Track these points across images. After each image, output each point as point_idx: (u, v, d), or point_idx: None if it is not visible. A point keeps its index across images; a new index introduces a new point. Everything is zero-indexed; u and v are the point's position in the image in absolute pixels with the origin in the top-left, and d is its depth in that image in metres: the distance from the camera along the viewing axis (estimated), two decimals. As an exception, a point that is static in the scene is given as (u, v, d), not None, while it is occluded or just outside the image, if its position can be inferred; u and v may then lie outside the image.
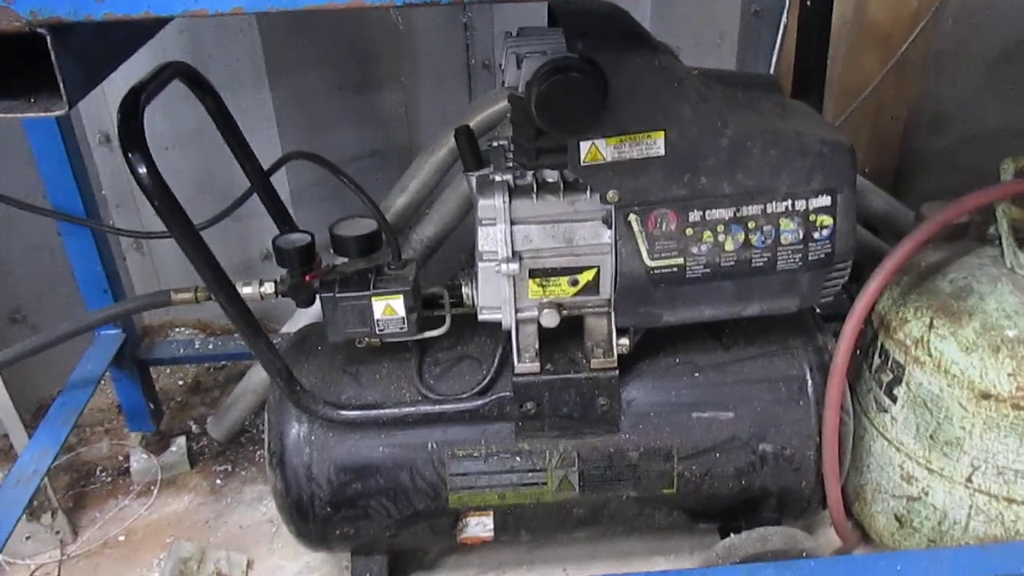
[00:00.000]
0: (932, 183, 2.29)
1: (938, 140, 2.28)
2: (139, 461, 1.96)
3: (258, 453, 2.03)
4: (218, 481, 1.97)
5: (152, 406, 1.98)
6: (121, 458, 2.00)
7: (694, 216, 1.24)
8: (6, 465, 1.82)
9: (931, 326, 1.38)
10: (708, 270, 1.27)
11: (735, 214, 1.24)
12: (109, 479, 1.97)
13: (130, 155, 1.06)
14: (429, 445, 1.40)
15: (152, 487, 1.95)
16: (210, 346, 2.02)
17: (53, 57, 0.81)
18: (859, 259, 1.36)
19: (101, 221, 1.74)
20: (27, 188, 1.68)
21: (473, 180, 1.30)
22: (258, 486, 1.95)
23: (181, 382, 2.20)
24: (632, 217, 1.23)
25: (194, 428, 2.07)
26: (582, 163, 1.18)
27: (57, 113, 0.84)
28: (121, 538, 1.83)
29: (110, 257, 1.76)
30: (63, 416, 1.62)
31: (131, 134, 1.05)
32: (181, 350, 1.97)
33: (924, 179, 2.32)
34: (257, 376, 2.00)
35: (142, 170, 1.08)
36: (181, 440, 2.00)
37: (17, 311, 1.96)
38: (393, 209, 1.72)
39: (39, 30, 0.80)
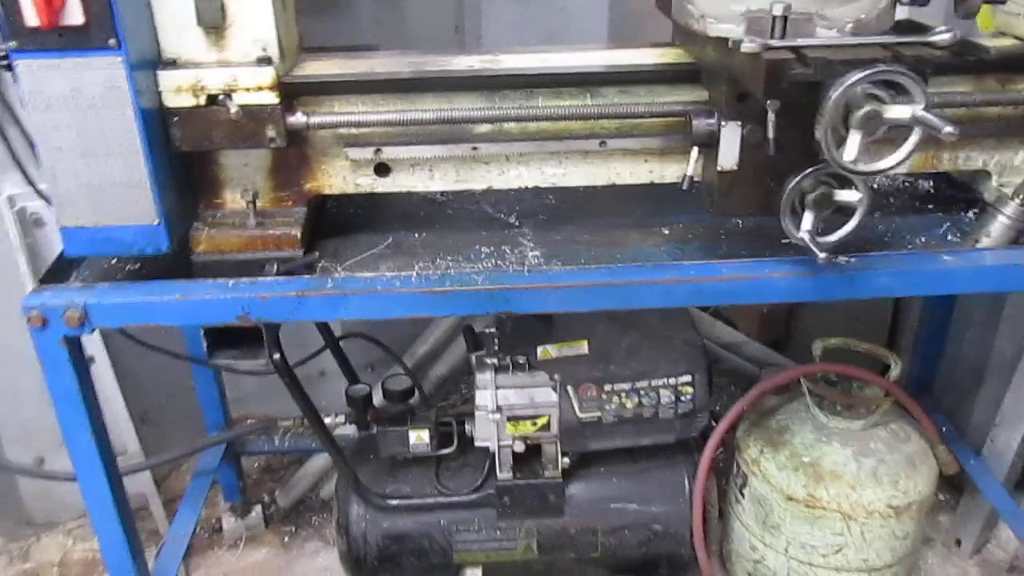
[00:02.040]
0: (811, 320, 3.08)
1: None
2: (229, 523, 2.74)
3: (313, 518, 2.81)
4: (286, 538, 2.75)
5: (240, 483, 2.76)
6: (214, 520, 2.78)
7: (607, 388, 2.04)
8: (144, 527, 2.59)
9: (761, 451, 2.18)
10: (615, 419, 2.06)
11: (632, 386, 2.05)
12: (207, 535, 2.75)
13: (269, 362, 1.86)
14: (441, 522, 2.19)
15: (239, 542, 2.72)
16: (277, 442, 2.82)
17: (264, 335, 1.61)
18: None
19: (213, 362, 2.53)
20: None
21: (473, 359, 2.10)
22: (314, 543, 2.73)
23: (256, 464, 2.99)
24: (569, 387, 2.04)
25: (266, 499, 2.85)
26: (539, 359, 1.99)
27: (260, 362, 1.64)
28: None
29: (222, 386, 2.56)
30: (195, 496, 2.41)
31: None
32: (264, 446, 2.75)
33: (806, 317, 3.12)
34: (314, 464, 2.79)
35: (275, 361, 1.87)
36: (258, 508, 2.78)
37: (146, 413, 2.74)
38: (417, 355, 2.53)
39: (258, 324, 1.60)
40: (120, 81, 1.43)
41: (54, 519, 2.70)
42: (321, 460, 2.78)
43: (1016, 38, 1.79)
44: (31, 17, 1.36)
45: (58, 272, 1.66)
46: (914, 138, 1.29)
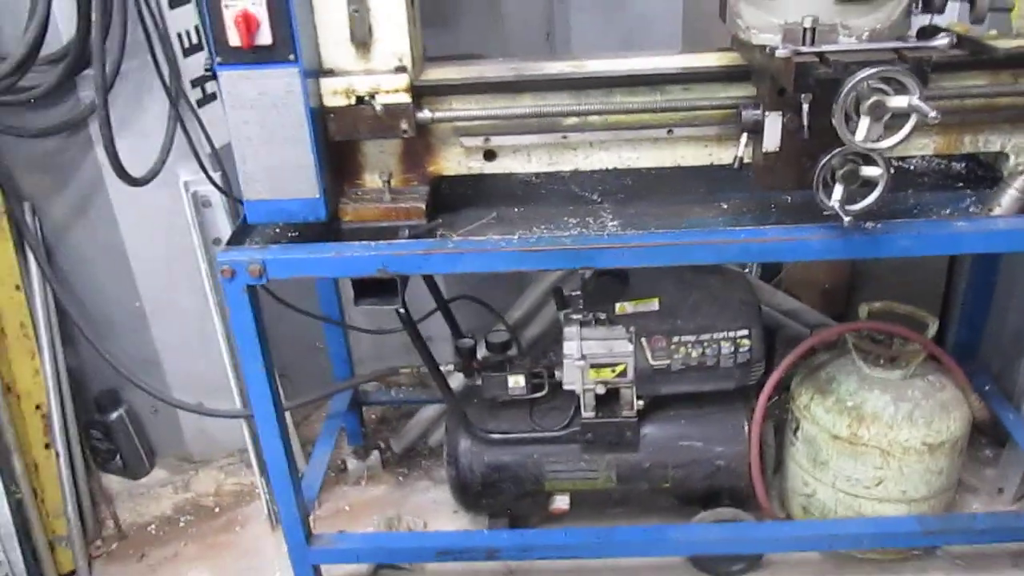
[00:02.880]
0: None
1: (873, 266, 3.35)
2: (352, 464, 3.21)
3: (423, 462, 3.25)
4: (400, 478, 3.20)
5: (362, 430, 3.23)
6: (340, 462, 3.24)
7: (674, 339, 2.41)
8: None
9: (812, 398, 2.52)
10: (682, 367, 2.44)
11: (696, 338, 2.42)
12: (334, 474, 3.22)
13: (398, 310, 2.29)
14: (535, 455, 2.59)
15: (361, 480, 3.19)
16: (393, 394, 3.28)
17: (398, 284, 2.04)
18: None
19: (348, 323, 2.99)
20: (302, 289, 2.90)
21: (561, 316, 2.50)
22: (425, 482, 3.17)
23: (375, 415, 3.45)
24: (642, 339, 2.42)
25: (382, 445, 3.30)
26: (617, 314, 2.38)
27: (395, 306, 2.07)
28: (347, 508, 3.08)
29: (349, 345, 3.02)
30: (327, 436, 2.88)
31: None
32: (382, 397, 3.21)
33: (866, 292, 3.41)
34: (424, 415, 3.23)
35: (402, 312, 2.31)
36: (375, 453, 3.23)
37: (283, 370, 3.22)
38: (514, 318, 2.94)
39: (393, 276, 2.03)
40: (295, 87, 1.88)
41: (209, 457, 3.21)
42: (430, 411, 3.22)
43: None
44: (233, 39, 1.83)
45: (239, 236, 2.13)
46: (911, 122, 1.64)
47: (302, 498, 2.41)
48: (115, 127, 2.34)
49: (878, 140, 1.67)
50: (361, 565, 2.73)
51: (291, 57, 1.86)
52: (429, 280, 2.63)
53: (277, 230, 2.17)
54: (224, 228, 2.75)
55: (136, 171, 2.49)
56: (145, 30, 2.41)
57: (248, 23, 1.81)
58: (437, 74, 2.11)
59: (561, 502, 2.63)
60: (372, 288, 2.09)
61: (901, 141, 1.67)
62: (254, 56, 1.85)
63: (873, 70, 1.60)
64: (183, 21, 2.57)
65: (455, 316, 2.75)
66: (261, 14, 1.80)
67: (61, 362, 2.81)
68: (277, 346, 2.25)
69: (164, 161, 2.55)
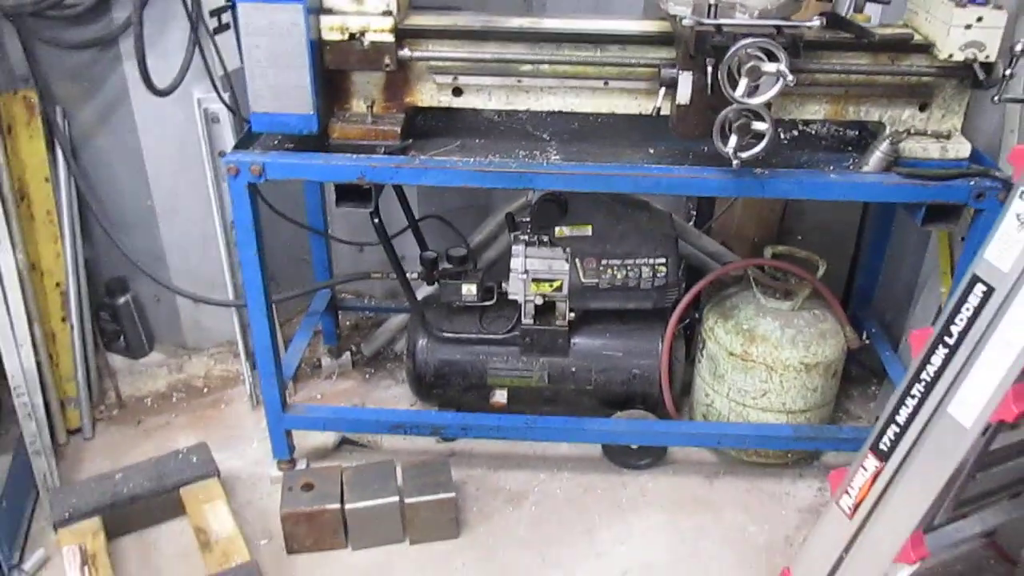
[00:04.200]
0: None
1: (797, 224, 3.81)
2: (326, 361, 3.67)
3: (388, 365, 3.71)
4: (367, 376, 3.66)
5: (336, 331, 3.69)
6: (315, 360, 3.70)
7: (603, 261, 2.87)
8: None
9: (716, 322, 2.99)
10: (609, 286, 2.90)
11: (622, 262, 2.88)
12: (309, 369, 3.68)
13: (373, 217, 2.73)
14: (480, 355, 3.06)
15: (332, 375, 3.65)
16: (366, 302, 3.73)
17: (372, 192, 2.49)
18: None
19: (330, 234, 3.44)
20: (293, 205, 3.35)
21: (511, 236, 2.96)
22: (388, 381, 3.63)
23: (349, 322, 3.91)
24: (576, 260, 2.88)
25: (354, 348, 3.77)
26: (556, 237, 2.84)
27: (369, 210, 2.52)
28: (318, 397, 3.55)
29: (330, 256, 3.47)
30: (305, 331, 3.34)
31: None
32: (355, 304, 3.67)
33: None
34: (392, 322, 3.70)
35: (376, 221, 2.75)
36: (347, 354, 3.70)
37: (272, 276, 3.67)
38: (475, 241, 3.39)
39: (370, 185, 2.48)
40: (300, 21, 2.31)
41: (201, 345, 3.66)
42: (397, 319, 3.68)
43: (907, 28, 2.53)
44: (252, -23, 2.25)
45: (244, 143, 2.57)
46: (779, 85, 2.09)
47: (281, 372, 2.87)
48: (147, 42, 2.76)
49: (752, 96, 2.12)
50: (328, 437, 3.20)
51: (301, -6, 2.29)
52: (403, 200, 3.08)
53: (276, 141, 2.60)
54: (229, 142, 3.17)
55: (158, 86, 2.92)
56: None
57: (266, -36, 2.24)
58: (418, 20, 2.53)
59: (500, 396, 3.10)
60: (351, 194, 2.53)
61: (764, 100, 2.12)
62: (270, -8, 2.28)
63: (751, 40, 2.05)
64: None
65: (424, 236, 3.20)
66: (277, -43, 2.23)
67: (80, 248, 3.24)
68: (268, 255, 2.67)
69: (183, 78, 2.97)
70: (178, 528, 2.85)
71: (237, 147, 2.56)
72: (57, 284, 3.19)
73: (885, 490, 2.21)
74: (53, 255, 3.17)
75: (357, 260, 3.78)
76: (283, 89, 2.41)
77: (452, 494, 2.76)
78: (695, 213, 3.62)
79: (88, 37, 2.97)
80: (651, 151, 2.63)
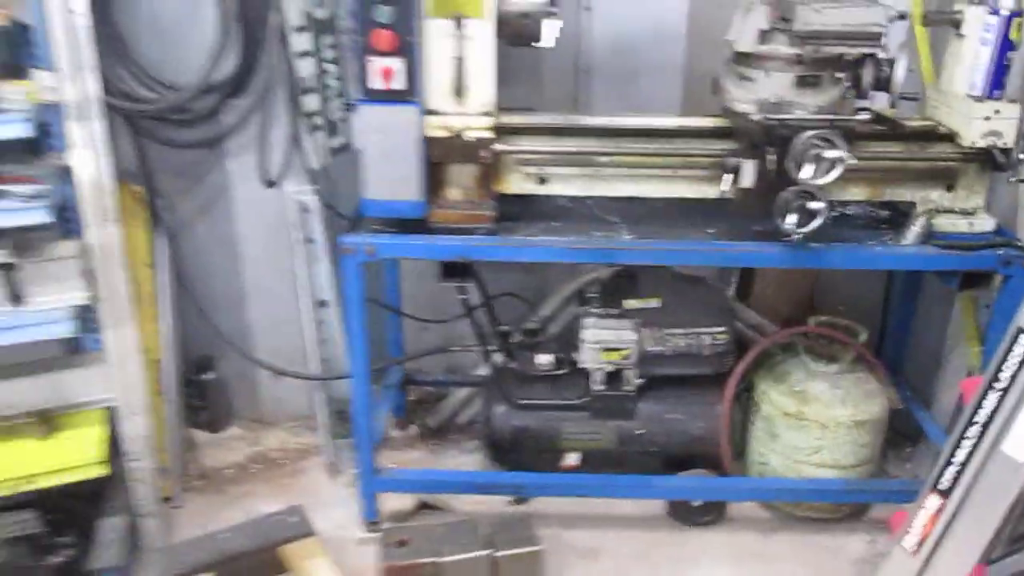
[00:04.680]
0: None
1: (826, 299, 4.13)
2: (396, 433, 3.91)
3: (452, 436, 3.95)
4: (433, 448, 3.89)
5: (404, 405, 3.94)
6: (385, 432, 3.94)
7: (668, 331, 3.17)
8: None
9: (769, 386, 3.28)
10: (673, 353, 3.19)
11: (685, 331, 3.17)
12: (379, 441, 3.91)
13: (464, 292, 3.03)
14: (553, 420, 3.31)
15: (401, 447, 3.89)
16: (434, 377, 4.00)
17: (472, 267, 2.79)
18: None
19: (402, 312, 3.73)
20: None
21: (582, 310, 3.26)
22: (453, 451, 3.85)
23: (413, 397, 4.16)
24: (644, 330, 3.17)
25: (420, 421, 4.00)
26: (625, 308, 3.15)
27: (471, 284, 2.82)
28: (392, 466, 3.77)
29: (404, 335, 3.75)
30: (387, 400, 3.59)
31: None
32: (425, 378, 3.93)
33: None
34: (456, 396, 3.95)
35: (464, 297, 3.04)
36: (414, 426, 3.94)
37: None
38: (541, 315, 3.69)
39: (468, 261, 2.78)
40: (414, 120, 2.66)
41: (277, 420, 3.90)
42: (460, 394, 3.94)
43: (930, 120, 2.91)
44: (375, 83, 2.61)
45: (355, 226, 2.88)
46: (839, 168, 2.44)
47: (373, 439, 3.12)
48: (244, 145, 3.11)
49: (817, 178, 2.46)
50: (406, 501, 3.41)
51: (413, 99, 2.64)
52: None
53: (378, 225, 2.91)
54: (317, 230, 3.49)
55: (252, 181, 3.26)
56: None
57: (387, 73, 2.60)
58: (506, 119, 2.89)
59: (572, 459, 3.35)
60: (453, 271, 2.84)
61: (832, 180, 2.46)
62: (388, 96, 2.63)
63: (814, 131, 2.41)
64: (304, 69, 3.35)
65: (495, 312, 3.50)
66: (398, 67, 2.59)
67: (174, 328, 3.51)
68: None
69: (284, 174, 3.30)
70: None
71: (350, 230, 2.86)
72: (156, 360, 3.44)
73: (947, 527, 2.46)
74: (151, 333, 3.43)
75: (418, 338, 4.06)
76: (395, 179, 2.74)
77: (541, 547, 2.97)
78: (736, 289, 3.95)
79: (197, 138, 3.32)
80: (708, 230, 2.96)
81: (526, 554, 2.96)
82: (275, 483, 3.68)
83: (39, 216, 2.46)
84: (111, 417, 2.96)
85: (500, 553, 2.95)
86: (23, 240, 2.56)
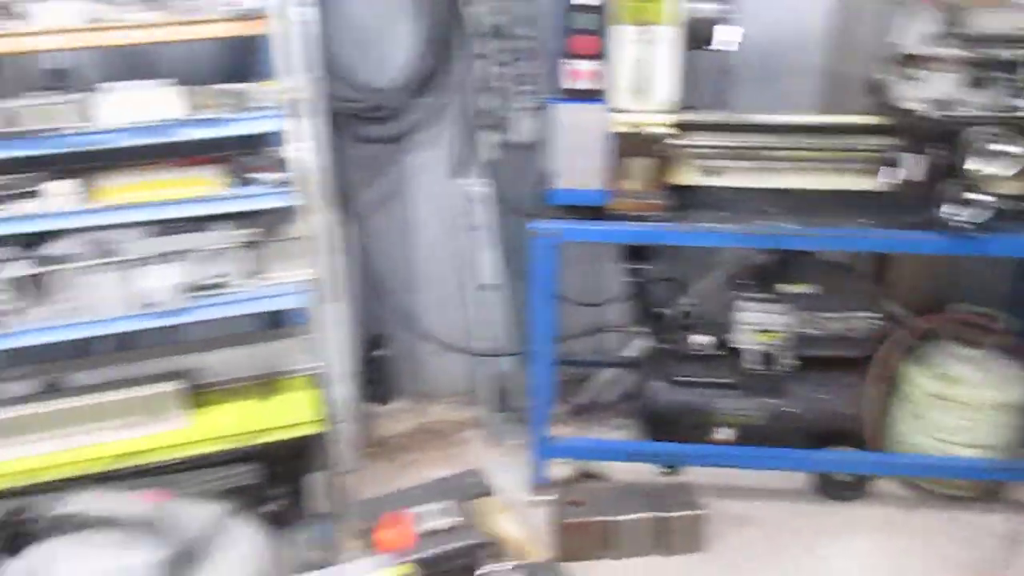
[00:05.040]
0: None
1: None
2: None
3: (597, 414, 4.21)
4: (579, 423, 4.17)
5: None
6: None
7: (821, 315, 3.40)
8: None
9: (915, 369, 3.48)
10: (826, 336, 3.41)
11: (836, 316, 3.40)
12: (529, 417, 4.21)
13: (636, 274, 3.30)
14: (707, 396, 3.57)
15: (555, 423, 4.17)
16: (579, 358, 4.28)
17: (650, 250, 3.07)
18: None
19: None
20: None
21: (737, 293, 3.50)
22: (599, 427, 4.13)
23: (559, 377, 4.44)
24: (797, 313, 3.41)
25: (566, 399, 4.28)
26: (779, 292, 3.39)
27: (650, 266, 3.10)
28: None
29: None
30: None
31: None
32: (575, 359, 4.22)
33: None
34: (602, 376, 4.23)
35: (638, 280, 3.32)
36: (561, 405, 4.22)
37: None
38: (690, 298, 3.95)
39: (643, 244, 3.06)
40: (601, 118, 2.95)
41: (438, 394, 4.24)
42: (606, 374, 4.22)
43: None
44: (569, 83, 2.91)
45: (543, 212, 3.18)
46: (1015, 163, 2.65)
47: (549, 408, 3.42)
48: (425, 140, 3.45)
49: (981, 171, 2.68)
50: (566, 470, 3.69)
51: (601, 98, 2.93)
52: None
53: (559, 212, 3.19)
54: (482, 219, 3.81)
55: (429, 173, 3.59)
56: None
57: (581, 75, 2.89)
58: (682, 116, 3.16)
59: (724, 433, 3.59)
60: (634, 255, 3.13)
61: (999, 175, 2.68)
62: (578, 95, 2.93)
63: (986, 127, 2.63)
64: (481, 71, 3.67)
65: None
66: (593, 69, 2.89)
67: (356, 307, 3.87)
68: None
69: (462, 167, 3.63)
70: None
71: (540, 216, 3.15)
72: (341, 337, 3.79)
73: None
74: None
75: (568, 321, 4.35)
76: (583, 170, 3.03)
77: (704, 510, 3.23)
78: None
79: (385, 134, 3.66)
80: (860, 220, 3.17)
81: (691, 516, 3.23)
82: (440, 451, 4.00)
83: (284, 200, 2.81)
84: (318, 383, 3.31)
85: (668, 515, 3.22)
86: (263, 222, 2.91)
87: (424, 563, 2.60)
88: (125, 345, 3.52)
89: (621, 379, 4.22)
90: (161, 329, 2.94)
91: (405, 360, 4.17)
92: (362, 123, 3.62)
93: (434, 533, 2.72)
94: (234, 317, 3.04)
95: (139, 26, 2.43)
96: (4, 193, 2.54)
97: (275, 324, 3.50)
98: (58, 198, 2.54)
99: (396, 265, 3.95)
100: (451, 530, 2.73)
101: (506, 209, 3.82)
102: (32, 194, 2.55)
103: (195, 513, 2.10)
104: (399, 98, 3.54)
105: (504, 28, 3.60)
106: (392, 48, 3.51)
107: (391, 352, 4.09)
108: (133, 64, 3.12)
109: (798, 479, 3.69)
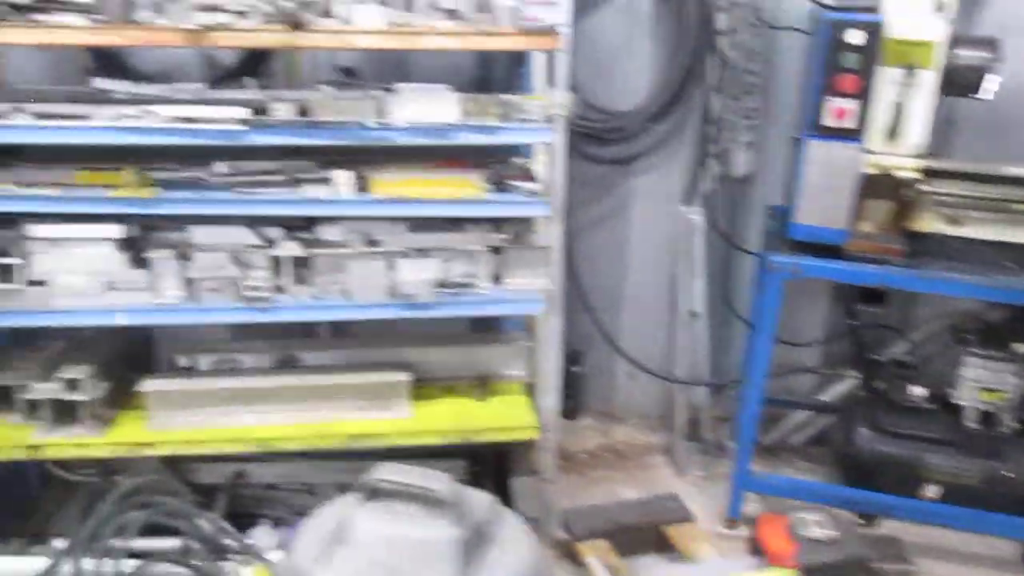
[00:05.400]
0: None
1: None
2: (731, 445, 4.18)
3: (782, 455, 4.16)
4: (764, 462, 4.13)
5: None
6: (719, 443, 4.21)
7: (1053, 379, 3.27)
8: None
9: None
10: (1055, 401, 3.28)
11: None
12: (715, 451, 4.19)
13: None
14: (917, 450, 3.47)
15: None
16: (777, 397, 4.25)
17: (886, 295, 3.04)
18: None
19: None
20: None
21: (965, 347, 3.41)
22: (785, 469, 4.07)
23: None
24: (1028, 375, 3.29)
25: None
26: (1008, 351, 3.28)
27: (884, 310, 3.07)
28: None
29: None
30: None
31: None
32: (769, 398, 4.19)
33: None
34: (794, 418, 4.17)
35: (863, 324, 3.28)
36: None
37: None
38: (906, 346, 3.86)
39: (879, 289, 3.03)
40: (854, 157, 2.95)
41: (624, 416, 4.28)
42: (799, 416, 4.16)
43: None
44: (827, 121, 2.92)
45: (778, 246, 3.18)
46: None
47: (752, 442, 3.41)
48: (651, 165, 3.52)
49: None
50: (755, 507, 3.66)
51: (858, 138, 2.93)
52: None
53: (797, 246, 3.18)
54: (700, 246, 3.85)
55: (649, 198, 3.65)
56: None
57: (842, 113, 2.90)
58: (932, 163, 3.11)
59: (931, 491, 3.48)
60: (869, 298, 3.10)
61: None
62: (836, 133, 2.94)
63: None
64: (713, 104, 3.72)
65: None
66: (854, 108, 2.89)
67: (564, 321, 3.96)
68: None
69: (686, 196, 3.69)
70: (663, 559, 3.36)
71: (777, 251, 3.16)
72: (543, 349, 3.89)
73: None
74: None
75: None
76: (827, 207, 3.03)
77: (915, 567, 3.15)
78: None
79: (614, 155, 3.76)
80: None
81: (902, 571, 3.15)
82: (626, 472, 4.04)
83: (536, 209, 2.93)
84: (529, 390, 3.40)
85: (879, 566, 3.15)
86: (506, 229, 3.03)
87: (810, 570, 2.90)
88: (340, 331, 3.73)
89: (812, 422, 4.16)
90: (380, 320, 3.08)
91: (597, 378, 4.24)
92: (594, 143, 3.73)
93: (816, 542, 3.04)
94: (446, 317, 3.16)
95: (442, 33, 2.58)
96: (302, 176, 2.74)
97: (480, 328, 3.63)
98: (342, 187, 2.72)
99: (604, 283, 4.03)
100: (833, 542, 3.06)
101: (716, 239, 3.84)
102: (324, 180, 2.74)
103: (477, 499, 2.21)
104: (638, 121, 3.64)
105: (736, 61, 3.65)
106: (633, 71, 3.62)
107: (585, 369, 4.16)
108: (391, 67, 3.35)
109: (1003, 547, 3.55)
